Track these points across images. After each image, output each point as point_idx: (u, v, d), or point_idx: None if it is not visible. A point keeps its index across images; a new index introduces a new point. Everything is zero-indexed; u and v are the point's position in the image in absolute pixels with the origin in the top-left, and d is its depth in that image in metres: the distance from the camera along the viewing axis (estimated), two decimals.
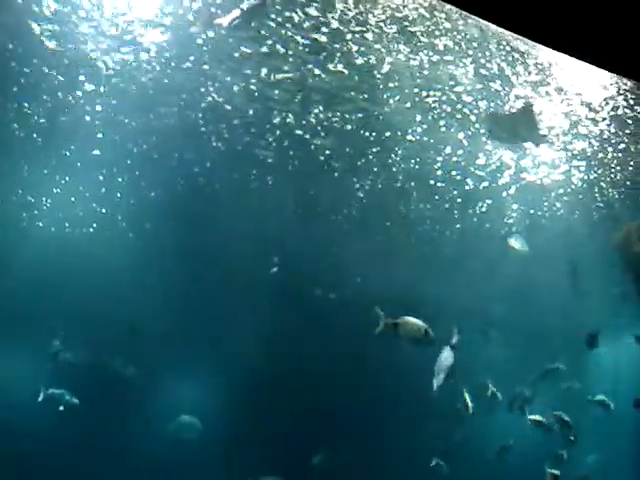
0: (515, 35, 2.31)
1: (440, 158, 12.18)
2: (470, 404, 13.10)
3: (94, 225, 14.34)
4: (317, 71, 10.07)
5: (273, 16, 9.00)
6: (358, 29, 9.13)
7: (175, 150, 12.37)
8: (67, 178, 13.03)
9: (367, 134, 11.67)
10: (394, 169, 12.54)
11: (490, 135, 10.86)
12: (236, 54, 9.81)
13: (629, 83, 9.22)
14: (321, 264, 15.45)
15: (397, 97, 10.61)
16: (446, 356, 10.61)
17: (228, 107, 11.12)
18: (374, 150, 12.13)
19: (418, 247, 15.30)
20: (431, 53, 9.52)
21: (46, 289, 14.70)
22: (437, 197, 13.36)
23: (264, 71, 10.14)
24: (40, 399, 15.31)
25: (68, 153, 12.20)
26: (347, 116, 11.18)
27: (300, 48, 9.58)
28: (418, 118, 11.12)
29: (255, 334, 16.47)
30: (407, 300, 15.50)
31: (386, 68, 9.96)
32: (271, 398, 16.31)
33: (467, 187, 12.94)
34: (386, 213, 14.15)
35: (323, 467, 16.69)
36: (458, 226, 14.46)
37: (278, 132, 11.59)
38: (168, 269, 15.18)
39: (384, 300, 15.67)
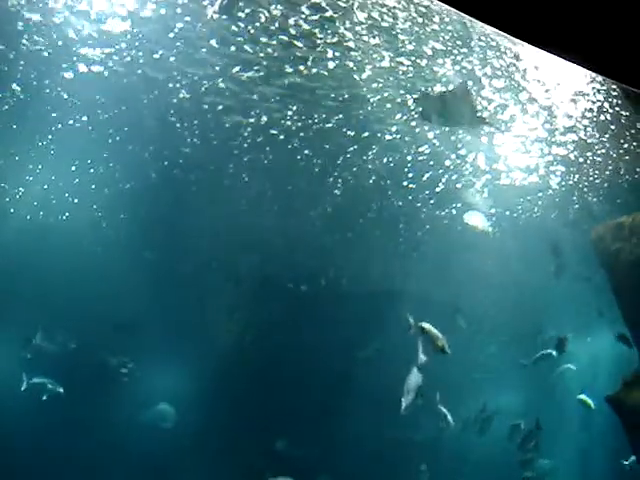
0: (496, 31, 2.25)
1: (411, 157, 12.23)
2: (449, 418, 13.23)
3: (67, 214, 14.14)
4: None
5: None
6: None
7: (149, 142, 12.22)
8: (40, 166, 12.83)
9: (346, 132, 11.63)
10: (370, 166, 12.53)
11: (421, 116, 10.24)
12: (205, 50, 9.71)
13: (611, 84, 9.18)
14: (295, 256, 15.45)
15: (377, 97, 10.58)
16: (414, 376, 10.73)
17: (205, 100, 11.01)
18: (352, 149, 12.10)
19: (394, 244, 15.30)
20: (413, 50, 9.50)
21: (20, 277, 14.52)
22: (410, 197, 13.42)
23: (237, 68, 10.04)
24: (23, 388, 15.29)
25: (42, 142, 12.04)
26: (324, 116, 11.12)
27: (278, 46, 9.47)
28: (397, 117, 11.12)
29: (229, 324, 16.64)
30: (387, 293, 15.94)
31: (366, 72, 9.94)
32: (243, 386, 16.45)
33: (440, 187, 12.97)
34: (361, 210, 14.13)
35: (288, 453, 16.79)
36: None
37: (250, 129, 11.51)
38: (143, 258, 15.13)
39: (362, 293, 16.24)
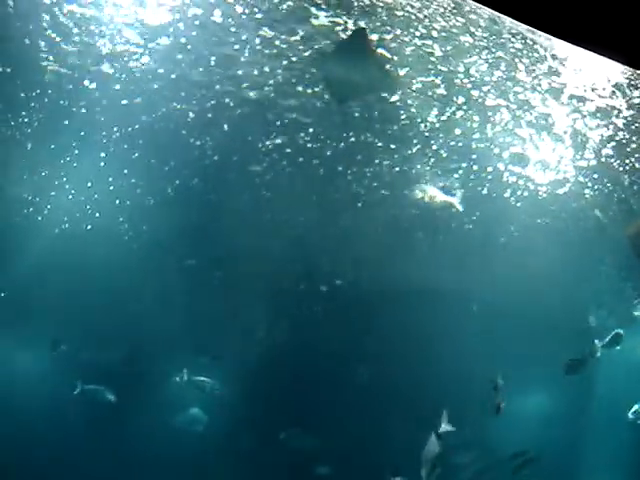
0: (529, 27, 2.39)
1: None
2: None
3: (98, 218, 14.15)
4: None
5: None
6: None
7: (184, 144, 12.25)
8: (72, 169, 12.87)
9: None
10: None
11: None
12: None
13: None
14: (333, 256, 15.28)
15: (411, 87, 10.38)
16: (433, 445, 10.35)
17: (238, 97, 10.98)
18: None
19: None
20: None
21: (50, 281, 14.75)
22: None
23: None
24: (76, 392, 15.58)
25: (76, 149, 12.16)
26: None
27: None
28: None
29: (261, 328, 16.70)
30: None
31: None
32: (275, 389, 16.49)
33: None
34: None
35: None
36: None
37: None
38: (173, 261, 15.15)
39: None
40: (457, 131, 11.57)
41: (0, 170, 12.75)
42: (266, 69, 10.26)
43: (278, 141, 12.02)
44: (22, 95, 11.07)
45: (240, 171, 12.82)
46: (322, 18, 8.99)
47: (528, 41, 9.07)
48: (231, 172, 12.95)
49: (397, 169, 12.58)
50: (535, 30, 2.33)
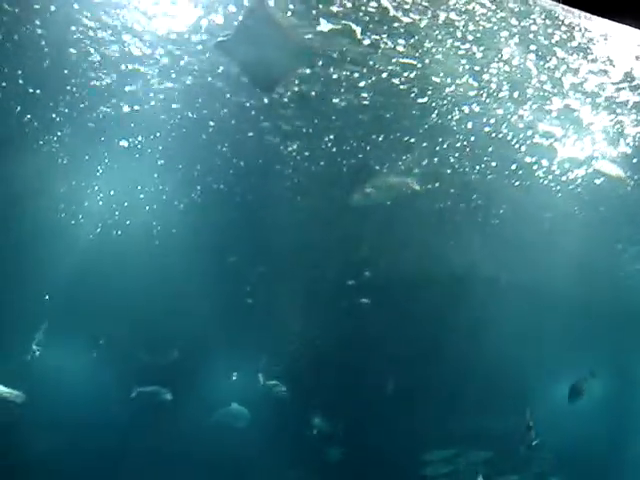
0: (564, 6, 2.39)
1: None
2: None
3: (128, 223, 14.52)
4: None
5: None
6: None
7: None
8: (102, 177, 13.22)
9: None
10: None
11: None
12: None
13: None
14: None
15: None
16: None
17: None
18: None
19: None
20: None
21: (90, 284, 15.06)
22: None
23: None
24: (133, 395, 16.07)
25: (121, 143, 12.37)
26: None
27: None
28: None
29: (301, 322, 16.73)
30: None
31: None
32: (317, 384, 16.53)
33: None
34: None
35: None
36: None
37: None
38: (220, 254, 15.28)
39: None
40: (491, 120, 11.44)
41: (36, 180, 13.12)
42: None
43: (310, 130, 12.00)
44: (55, 110, 11.49)
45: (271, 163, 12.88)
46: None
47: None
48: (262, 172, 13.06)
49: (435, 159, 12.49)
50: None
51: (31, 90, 10.94)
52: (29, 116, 11.58)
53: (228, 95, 10.98)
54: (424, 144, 12.23)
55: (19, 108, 11.39)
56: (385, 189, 12.34)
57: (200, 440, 16.61)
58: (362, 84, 10.73)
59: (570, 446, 16.97)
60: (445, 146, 12.28)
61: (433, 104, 11.19)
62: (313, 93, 10.96)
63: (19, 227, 13.84)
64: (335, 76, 10.56)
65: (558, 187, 13.03)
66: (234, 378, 17.51)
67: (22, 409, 15.25)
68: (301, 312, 16.56)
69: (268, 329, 16.70)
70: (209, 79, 10.61)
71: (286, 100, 11.03)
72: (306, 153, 12.47)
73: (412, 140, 12.18)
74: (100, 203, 13.70)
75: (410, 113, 11.48)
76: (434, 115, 11.48)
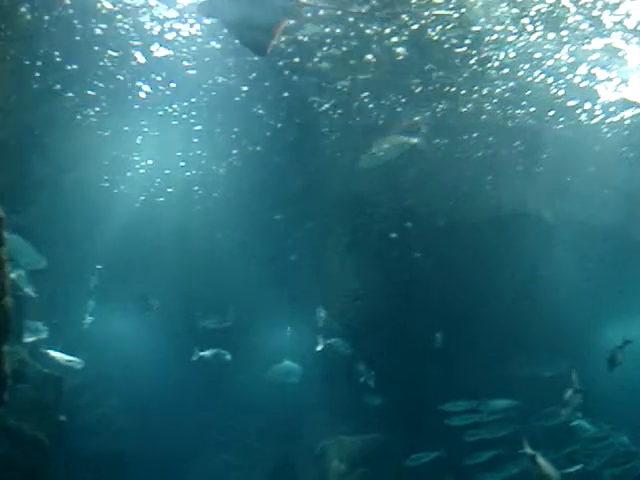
0: None
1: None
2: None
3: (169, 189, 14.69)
4: None
5: None
6: None
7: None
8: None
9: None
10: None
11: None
12: None
13: None
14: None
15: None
16: None
17: None
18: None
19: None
20: None
21: (140, 246, 15.46)
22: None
23: None
24: (195, 359, 16.25)
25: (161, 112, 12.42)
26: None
27: None
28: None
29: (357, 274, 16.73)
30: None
31: None
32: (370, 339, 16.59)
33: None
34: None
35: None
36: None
37: None
38: (266, 215, 15.43)
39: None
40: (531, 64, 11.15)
41: (80, 153, 13.35)
42: None
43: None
44: (91, 85, 11.65)
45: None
46: None
47: None
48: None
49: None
50: None
51: (69, 67, 11.09)
52: (70, 93, 11.74)
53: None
54: (463, 92, 12.01)
55: (59, 86, 11.57)
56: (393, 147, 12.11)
57: (255, 397, 17.02)
58: (395, 40, 10.55)
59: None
60: (485, 93, 12.03)
61: (473, 52, 10.97)
62: (345, 49, 10.85)
63: (67, 200, 14.07)
64: (368, 31, 10.42)
65: (605, 129, 12.70)
66: (288, 334, 17.78)
67: (83, 375, 15.80)
68: (348, 266, 16.65)
69: (316, 285, 16.84)
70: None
71: (318, 58, 10.99)
72: (340, 110, 12.37)
73: (452, 90, 11.97)
74: (141, 172, 13.92)
75: (450, 63, 11.28)
76: (473, 63, 11.26)
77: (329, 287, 16.91)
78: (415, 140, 12.17)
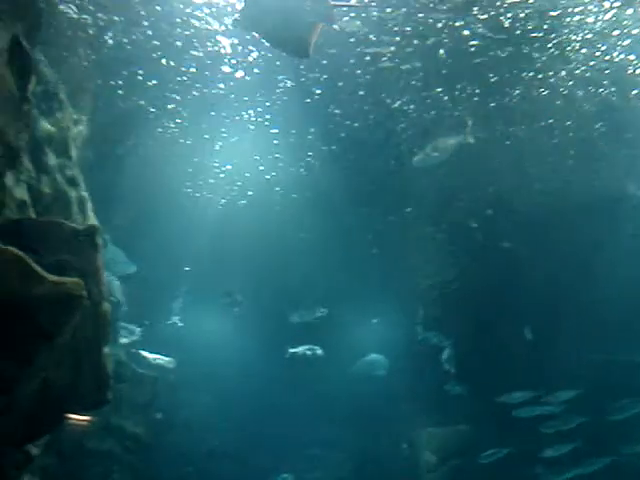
0: None
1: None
2: None
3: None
4: None
5: None
6: None
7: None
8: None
9: None
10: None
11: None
12: None
13: None
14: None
15: None
16: None
17: None
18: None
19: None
20: None
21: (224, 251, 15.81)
22: None
23: None
24: (287, 356, 16.92)
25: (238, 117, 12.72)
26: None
27: None
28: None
29: (438, 264, 16.66)
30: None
31: None
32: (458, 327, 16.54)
33: None
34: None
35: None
36: None
37: None
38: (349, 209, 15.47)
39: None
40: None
41: (170, 165, 13.95)
42: None
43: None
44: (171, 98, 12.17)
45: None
46: None
47: None
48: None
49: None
50: None
51: (149, 82, 11.65)
52: (151, 108, 12.33)
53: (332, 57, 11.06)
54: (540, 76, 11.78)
55: (143, 102, 12.14)
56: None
57: (342, 390, 17.27)
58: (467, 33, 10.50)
59: None
60: (563, 74, 11.76)
61: (551, 36, 10.82)
62: (417, 41, 10.83)
63: (153, 207, 14.59)
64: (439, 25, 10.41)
65: None
66: (374, 323, 17.91)
67: (175, 373, 16.41)
68: (437, 257, 16.56)
69: (402, 275, 16.85)
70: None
71: (388, 58, 11.04)
72: (411, 106, 12.35)
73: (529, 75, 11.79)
74: (222, 176, 14.32)
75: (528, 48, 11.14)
76: (551, 47, 11.08)
77: (417, 278, 16.95)
78: (468, 138, 12.14)
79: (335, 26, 10.07)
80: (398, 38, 10.78)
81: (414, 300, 17.25)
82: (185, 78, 11.56)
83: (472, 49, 10.96)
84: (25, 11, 7.52)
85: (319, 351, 16.85)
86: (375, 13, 10.31)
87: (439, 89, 11.93)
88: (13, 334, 5.82)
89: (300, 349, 16.79)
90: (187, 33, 10.61)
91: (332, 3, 7.13)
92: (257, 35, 8.09)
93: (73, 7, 10.02)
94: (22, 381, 5.78)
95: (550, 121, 12.88)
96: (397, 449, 17.76)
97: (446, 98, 12.17)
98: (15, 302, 5.98)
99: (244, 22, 7.26)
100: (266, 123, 12.75)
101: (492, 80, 11.87)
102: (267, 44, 8.67)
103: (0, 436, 6.32)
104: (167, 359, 16.50)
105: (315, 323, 17.14)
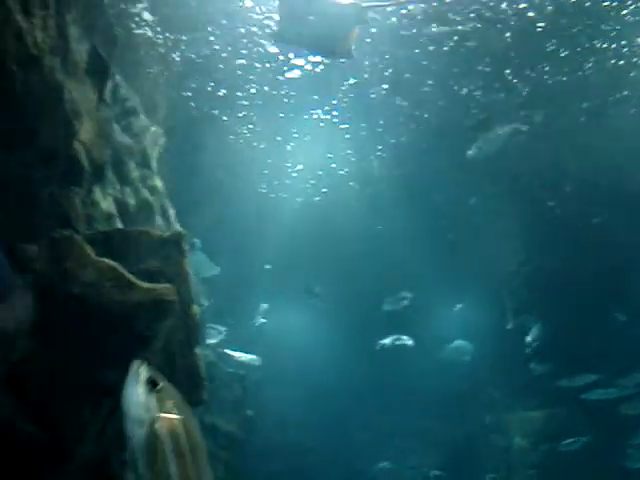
0: None
1: None
2: None
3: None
4: None
5: None
6: None
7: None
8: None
9: None
10: None
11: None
12: None
13: None
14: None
15: None
16: None
17: None
18: None
19: None
20: None
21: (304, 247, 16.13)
22: None
23: None
24: (377, 348, 16.96)
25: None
26: None
27: None
28: None
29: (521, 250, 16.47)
30: None
31: None
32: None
33: None
34: None
35: None
36: None
37: None
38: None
39: None
40: None
41: (245, 168, 14.39)
42: None
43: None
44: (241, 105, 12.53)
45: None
46: None
47: None
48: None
49: None
50: None
51: (219, 93, 12.11)
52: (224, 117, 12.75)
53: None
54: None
55: (217, 111, 12.59)
56: None
57: (429, 377, 17.30)
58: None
59: None
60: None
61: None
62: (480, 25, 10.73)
63: (233, 209, 15.07)
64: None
65: None
66: (457, 309, 17.84)
67: (262, 370, 16.78)
68: (522, 241, 16.36)
69: (488, 261, 16.69)
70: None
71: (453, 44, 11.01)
72: (478, 92, 12.31)
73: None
74: (294, 175, 14.60)
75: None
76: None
77: (501, 263, 16.78)
78: (521, 126, 12.01)
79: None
80: (461, 20, 10.72)
81: (498, 284, 17.05)
82: (252, 86, 11.94)
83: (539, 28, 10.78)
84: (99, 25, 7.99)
85: (409, 341, 16.87)
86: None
87: (507, 71, 11.80)
88: (112, 343, 6.14)
89: (389, 340, 16.87)
90: (251, 45, 10.97)
91: (364, 5, 7.27)
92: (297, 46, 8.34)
93: (147, 28, 10.57)
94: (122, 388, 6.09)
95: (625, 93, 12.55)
96: (487, 435, 17.65)
97: (515, 80, 12.03)
98: (112, 311, 6.29)
99: (282, 36, 7.53)
100: (334, 120, 12.94)
101: (562, 55, 11.66)
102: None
103: (108, 438, 6.68)
104: (253, 357, 16.86)
105: (401, 312, 17.11)
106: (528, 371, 16.40)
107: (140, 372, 3.59)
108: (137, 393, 3.54)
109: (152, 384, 3.56)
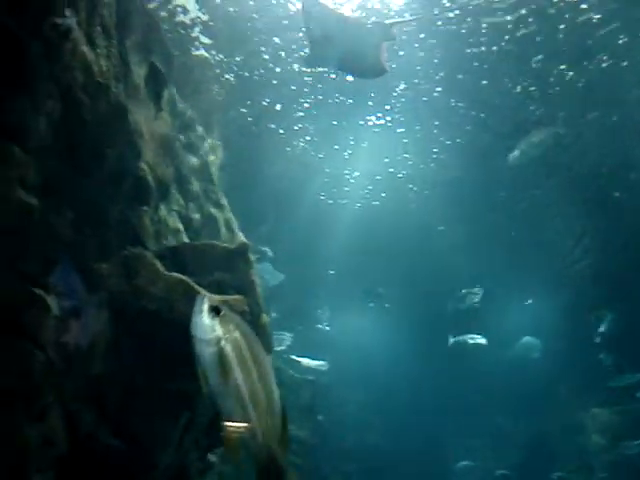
0: None
1: None
2: None
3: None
4: None
5: None
6: None
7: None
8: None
9: None
10: None
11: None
12: None
13: None
14: None
15: None
16: None
17: None
18: None
19: None
20: None
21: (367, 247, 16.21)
22: None
23: None
24: (450, 344, 17.11)
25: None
26: None
27: None
28: None
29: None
30: None
31: None
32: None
33: None
34: None
35: None
36: None
37: None
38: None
39: None
40: None
41: (305, 177, 14.64)
42: None
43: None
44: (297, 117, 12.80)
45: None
46: None
47: None
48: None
49: None
50: None
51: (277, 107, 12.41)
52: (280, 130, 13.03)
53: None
54: None
55: (273, 125, 12.84)
56: None
57: (499, 376, 17.16)
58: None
59: None
60: None
61: None
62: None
63: (293, 217, 15.27)
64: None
65: None
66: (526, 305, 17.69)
67: (329, 375, 16.92)
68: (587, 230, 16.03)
69: (552, 256, 16.49)
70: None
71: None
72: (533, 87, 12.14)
73: None
74: (352, 181, 14.74)
75: None
76: None
77: (567, 256, 16.45)
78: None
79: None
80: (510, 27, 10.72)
81: (567, 279, 16.76)
82: (307, 99, 12.15)
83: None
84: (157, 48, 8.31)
85: (482, 340, 16.74)
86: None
87: (562, 66, 11.64)
88: (186, 356, 6.36)
89: (462, 338, 16.80)
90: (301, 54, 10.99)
91: (388, 22, 7.44)
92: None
93: (204, 50, 10.93)
94: (200, 398, 6.29)
95: None
96: (564, 433, 17.33)
97: (571, 73, 11.85)
98: (184, 324, 6.53)
99: (312, 61, 7.72)
100: (389, 124, 12.97)
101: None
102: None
103: (186, 448, 6.91)
104: (320, 362, 17.01)
105: (468, 310, 17.05)
106: (597, 366, 16.11)
107: (205, 302, 4.07)
108: (203, 318, 4.03)
109: (216, 311, 4.06)
